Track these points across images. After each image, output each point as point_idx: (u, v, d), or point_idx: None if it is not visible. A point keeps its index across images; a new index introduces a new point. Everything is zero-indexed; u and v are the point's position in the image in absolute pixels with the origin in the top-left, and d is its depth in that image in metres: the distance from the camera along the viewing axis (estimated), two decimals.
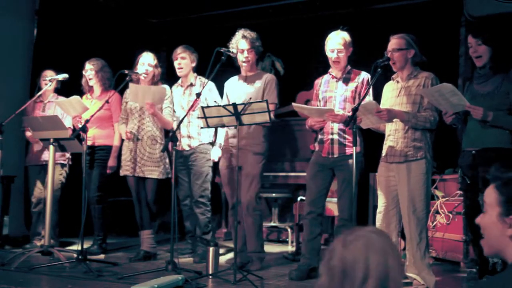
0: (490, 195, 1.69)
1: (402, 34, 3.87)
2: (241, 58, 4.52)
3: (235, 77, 4.69)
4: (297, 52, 6.42)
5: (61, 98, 5.39)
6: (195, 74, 4.95)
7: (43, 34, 6.30)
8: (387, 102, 3.93)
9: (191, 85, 4.92)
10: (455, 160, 4.28)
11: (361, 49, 4.48)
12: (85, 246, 4.74)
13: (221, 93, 4.85)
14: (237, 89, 4.60)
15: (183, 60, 4.94)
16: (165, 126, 4.88)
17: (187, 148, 4.93)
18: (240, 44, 4.48)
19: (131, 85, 4.65)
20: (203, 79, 4.92)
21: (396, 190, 3.83)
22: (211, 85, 4.95)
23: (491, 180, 1.69)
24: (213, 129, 4.85)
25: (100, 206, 5.21)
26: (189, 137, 4.93)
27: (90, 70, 5.23)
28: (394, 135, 3.86)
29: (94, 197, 5.15)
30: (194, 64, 4.99)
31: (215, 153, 4.83)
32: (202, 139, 4.93)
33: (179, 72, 4.98)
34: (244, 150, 4.42)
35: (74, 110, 4.80)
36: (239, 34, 4.51)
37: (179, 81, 5.08)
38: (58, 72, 5.30)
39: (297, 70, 6.05)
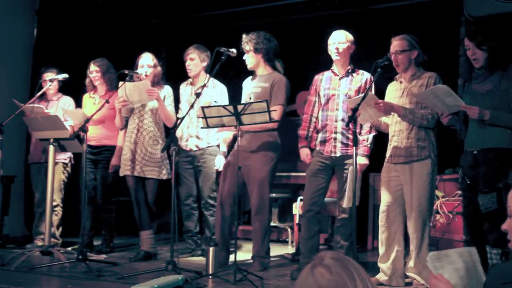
0: None
1: (404, 35, 3.85)
2: (246, 59, 4.55)
3: (251, 77, 4.69)
4: (297, 52, 6.42)
5: (65, 97, 5.43)
6: (207, 75, 4.70)
7: (43, 34, 6.29)
8: None
9: (204, 86, 4.73)
10: (455, 160, 4.27)
11: (361, 49, 4.48)
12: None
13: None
14: (247, 89, 4.61)
15: (192, 61, 4.95)
16: (167, 120, 4.82)
17: (194, 149, 4.94)
18: (244, 46, 4.51)
19: (126, 84, 4.56)
20: (216, 81, 4.95)
21: (399, 190, 3.83)
22: (222, 89, 4.97)
23: None
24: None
25: (110, 207, 5.26)
26: (197, 137, 4.93)
27: (95, 72, 5.20)
28: (398, 135, 3.85)
29: (101, 197, 5.20)
30: (204, 64, 4.96)
31: (219, 161, 4.83)
32: (210, 141, 4.93)
33: (189, 73, 5.00)
34: (252, 152, 4.40)
35: (76, 118, 4.82)
36: (244, 36, 4.51)
37: (189, 80, 5.08)
38: (59, 71, 5.29)
39: (297, 70, 6.02)
